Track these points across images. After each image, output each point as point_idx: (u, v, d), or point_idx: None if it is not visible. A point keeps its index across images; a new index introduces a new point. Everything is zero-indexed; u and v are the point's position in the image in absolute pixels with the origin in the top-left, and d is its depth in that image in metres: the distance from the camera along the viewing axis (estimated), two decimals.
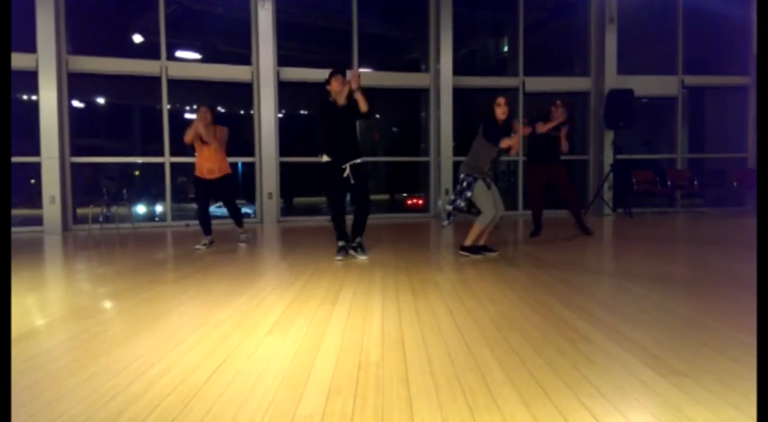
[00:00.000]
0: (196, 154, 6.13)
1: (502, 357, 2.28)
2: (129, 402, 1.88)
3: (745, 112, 10.87)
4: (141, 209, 9.95)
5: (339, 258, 5.10)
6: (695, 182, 10.34)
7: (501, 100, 5.09)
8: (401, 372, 2.13)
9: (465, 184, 5.10)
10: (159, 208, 9.69)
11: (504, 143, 4.95)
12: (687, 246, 5.91)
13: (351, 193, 5.37)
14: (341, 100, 5.17)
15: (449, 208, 5.20)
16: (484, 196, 5.04)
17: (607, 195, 10.09)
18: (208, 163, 6.05)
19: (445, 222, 5.34)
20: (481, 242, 5.22)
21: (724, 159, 11.23)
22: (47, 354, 2.44)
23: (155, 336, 2.69)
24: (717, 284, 3.79)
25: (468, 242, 5.17)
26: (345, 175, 5.10)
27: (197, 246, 6.07)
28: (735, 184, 10.35)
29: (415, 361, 2.25)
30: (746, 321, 2.76)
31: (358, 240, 5.26)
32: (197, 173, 6.12)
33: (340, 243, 5.22)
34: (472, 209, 5.34)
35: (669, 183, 10.27)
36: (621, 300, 3.35)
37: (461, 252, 5.18)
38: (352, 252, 5.22)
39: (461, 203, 5.12)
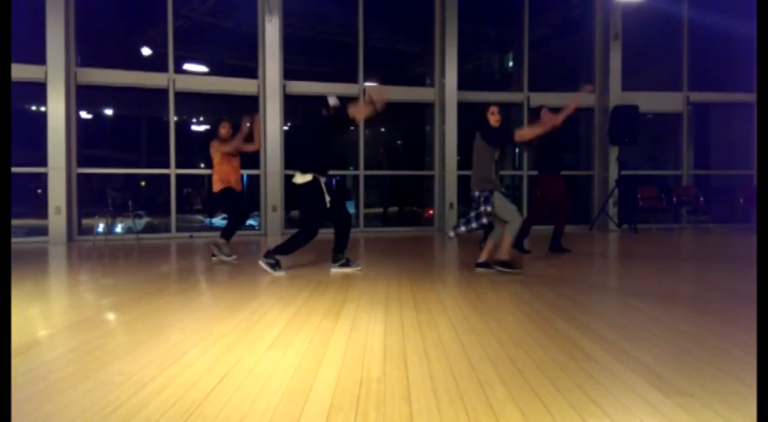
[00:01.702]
0: (217, 167, 5.99)
1: (505, 375, 2.26)
2: (129, 415, 1.87)
3: (751, 128, 10.85)
4: (146, 220, 9.98)
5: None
6: (701, 198, 10.31)
7: (494, 109, 5.05)
8: (403, 389, 2.12)
9: (482, 199, 4.96)
10: (164, 219, 9.71)
11: (520, 135, 5.02)
12: (692, 264, 5.88)
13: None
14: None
15: (462, 229, 5.06)
16: (506, 205, 4.94)
17: (612, 211, 10.06)
18: (236, 173, 6.07)
19: (451, 234, 5.23)
20: (483, 258, 5.16)
21: (730, 175, 11.20)
22: (49, 366, 2.43)
23: (157, 349, 2.68)
24: (723, 302, 3.76)
25: (505, 256, 5.02)
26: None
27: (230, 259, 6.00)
28: (741, 200, 10.31)
29: (418, 378, 2.24)
30: (753, 341, 2.73)
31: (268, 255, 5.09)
32: (225, 185, 5.96)
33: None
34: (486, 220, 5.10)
35: (674, 199, 10.24)
36: (626, 318, 3.33)
37: (499, 269, 5.02)
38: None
39: (474, 225, 5.00)
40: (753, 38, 10.63)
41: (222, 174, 6.00)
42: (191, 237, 9.16)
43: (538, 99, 10.48)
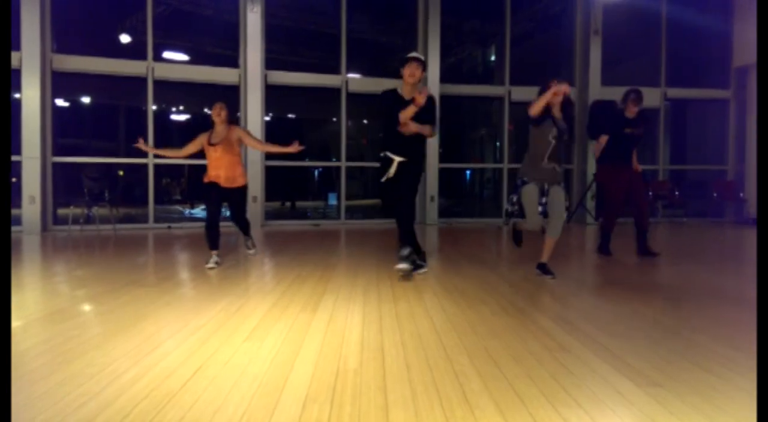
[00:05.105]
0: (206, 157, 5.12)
1: (481, 366, 2.28)
2: (101, 407, 1.85)
3: (725, 125, 11.08)
4: (123, 210, 9.84)
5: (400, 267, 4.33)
6: (676, 193, 10.47)
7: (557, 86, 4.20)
8: (379, 380, 2.12)
9: (516, 187, 4.58)
10: (141, 210, 9.58)
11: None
12: (667, 257, 5.97)
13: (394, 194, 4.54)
14: (408, 94, 4.49)
15: (507, 208, 4.76)
16: (528, 203, 4.45)
17: (590, 204, 10.19)
18: (215, 169, 5.05)
19: (501, 223, 5.03)
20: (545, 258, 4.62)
21: (704, 170, 11.41)
22: (20, 357, 2.39)
23: (131, 340, 2.65)
24: (697, 295, 3.83)
25: (544, 258, 4.60)
26: (392, 171, 4.48)
27: (208, 265, 4.96)
28: (715, 195, 10.50)
29: (394, 369, 2.25)
30: (725, 334, 2.80)
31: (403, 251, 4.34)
32: (205, 178, 5.11)
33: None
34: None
35: (650, 193, 10.38)
36: (601, 310, 3.38)
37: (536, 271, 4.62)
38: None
39: (508, 208, 4.68)
40: (728, 35, 10.72)
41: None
42: (169, 228, 9.05)
43: (519, 93, 10.53)
